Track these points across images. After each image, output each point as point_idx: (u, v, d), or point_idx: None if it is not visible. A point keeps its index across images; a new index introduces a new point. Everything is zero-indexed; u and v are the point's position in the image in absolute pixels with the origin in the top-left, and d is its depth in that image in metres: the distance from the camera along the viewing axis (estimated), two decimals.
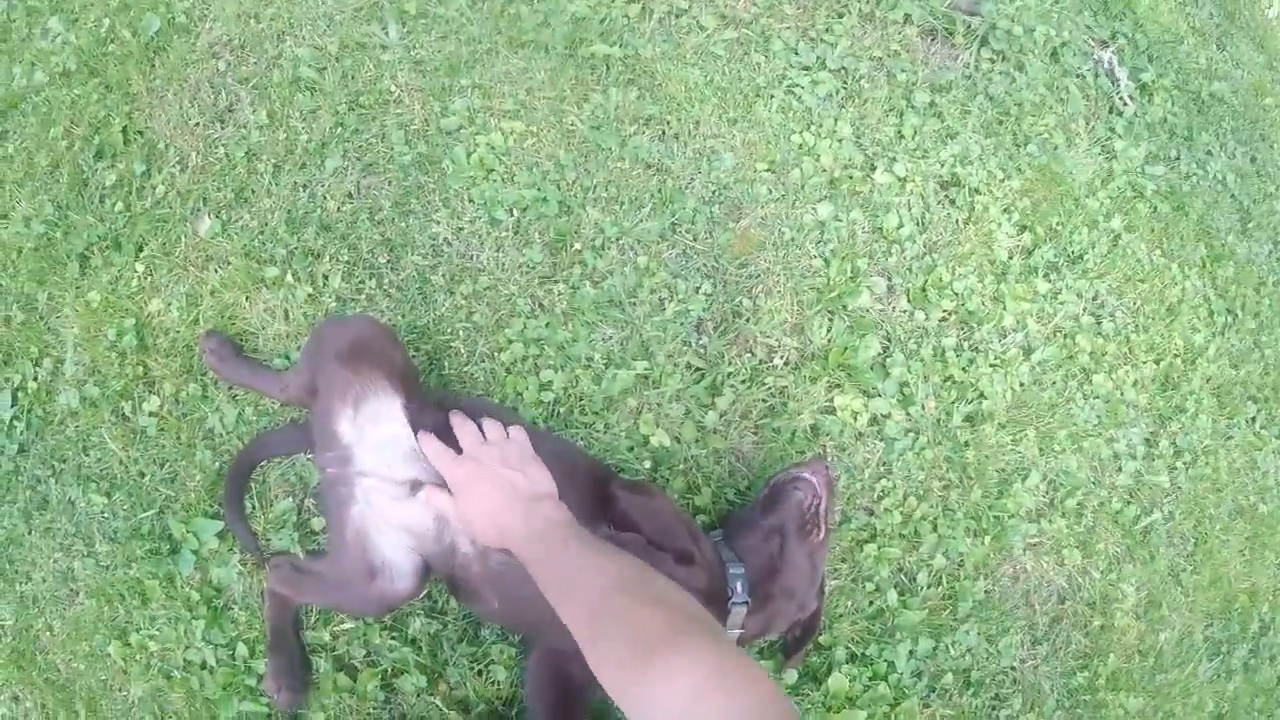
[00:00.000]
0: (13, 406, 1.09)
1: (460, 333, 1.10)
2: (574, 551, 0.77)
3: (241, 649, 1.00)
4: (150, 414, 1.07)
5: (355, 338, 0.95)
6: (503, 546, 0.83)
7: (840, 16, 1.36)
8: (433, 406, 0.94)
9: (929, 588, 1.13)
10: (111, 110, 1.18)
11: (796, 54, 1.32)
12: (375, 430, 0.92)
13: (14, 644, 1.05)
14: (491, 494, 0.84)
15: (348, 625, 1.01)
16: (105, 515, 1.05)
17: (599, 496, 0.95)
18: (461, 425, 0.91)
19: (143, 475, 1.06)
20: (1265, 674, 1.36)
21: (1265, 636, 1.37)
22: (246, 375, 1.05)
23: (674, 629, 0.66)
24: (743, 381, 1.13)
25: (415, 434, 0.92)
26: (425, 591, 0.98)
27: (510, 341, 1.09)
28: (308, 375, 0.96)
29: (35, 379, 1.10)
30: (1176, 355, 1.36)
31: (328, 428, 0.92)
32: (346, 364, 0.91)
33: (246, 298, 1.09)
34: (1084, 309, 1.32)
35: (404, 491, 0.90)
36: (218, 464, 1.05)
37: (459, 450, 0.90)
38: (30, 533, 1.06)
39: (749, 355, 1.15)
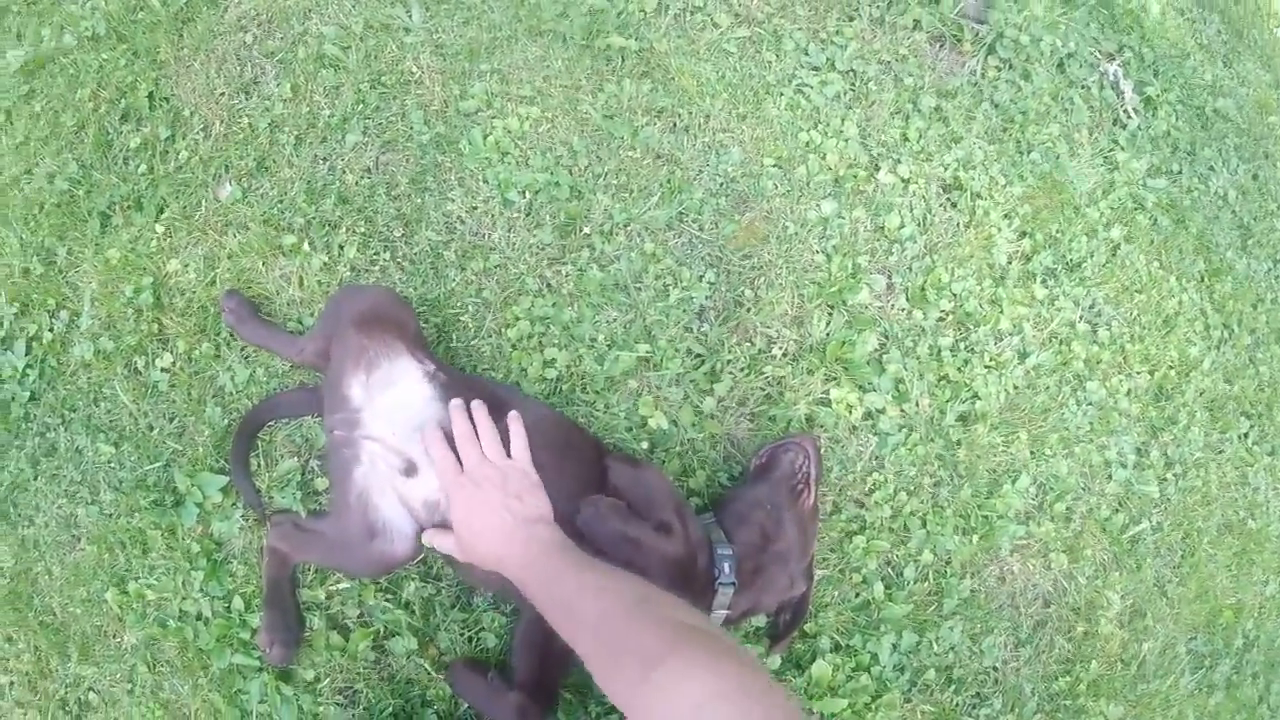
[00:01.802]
0: (26, 355, 1.12)
1: (469, 307, 1.13)
2: (570, 573, 0.78)
3: (238, 602, 1.02)
4: (163, 370, 1.10)
5: (372, 305, 0.97)
6: (499, 571, 0.84)
7: (851, 20, 1.39)
8: (446, 376, 0.96)
9: (915, 583, 1.14)
10: (138, 76, 1.22)
11: (807, 54, 1.35)
12: (385, 395, 0.94)
13: (12, 586, 1.07)
14: (489, 520, 0.85)
15: (343, 585, 1.03)
16: (112, 465, 1.08)
17: (596, 469, 0.97)
18: (464, 439, 0.90)
19: (151, 428, 1.08)
20: (1248, 691, 1.36)
21: (1249, 653, 1.37)
22: (263, 336, 1.07)
23: (674, 643, 0.66)
24: (741, 369, 1.16)
25: (439, 398, 0.93)
26: (422, 555, 1.00)
27: (517, 319, 1.12)
28: (323, 340, 0.98)
29: (51, 330, 1.13)
30: (1171, 367, 1.38)
31: (339, 391, 0.95)
32: (362, 329, 0.94)
33: (263, 263, 1.12)
34: (1080, 316, 1.34)
35: (402, 465, 0.92)
36: (226, 421, 1.07)
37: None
38: (36, 478, 1.09)
39: (748, 344, 1.18)
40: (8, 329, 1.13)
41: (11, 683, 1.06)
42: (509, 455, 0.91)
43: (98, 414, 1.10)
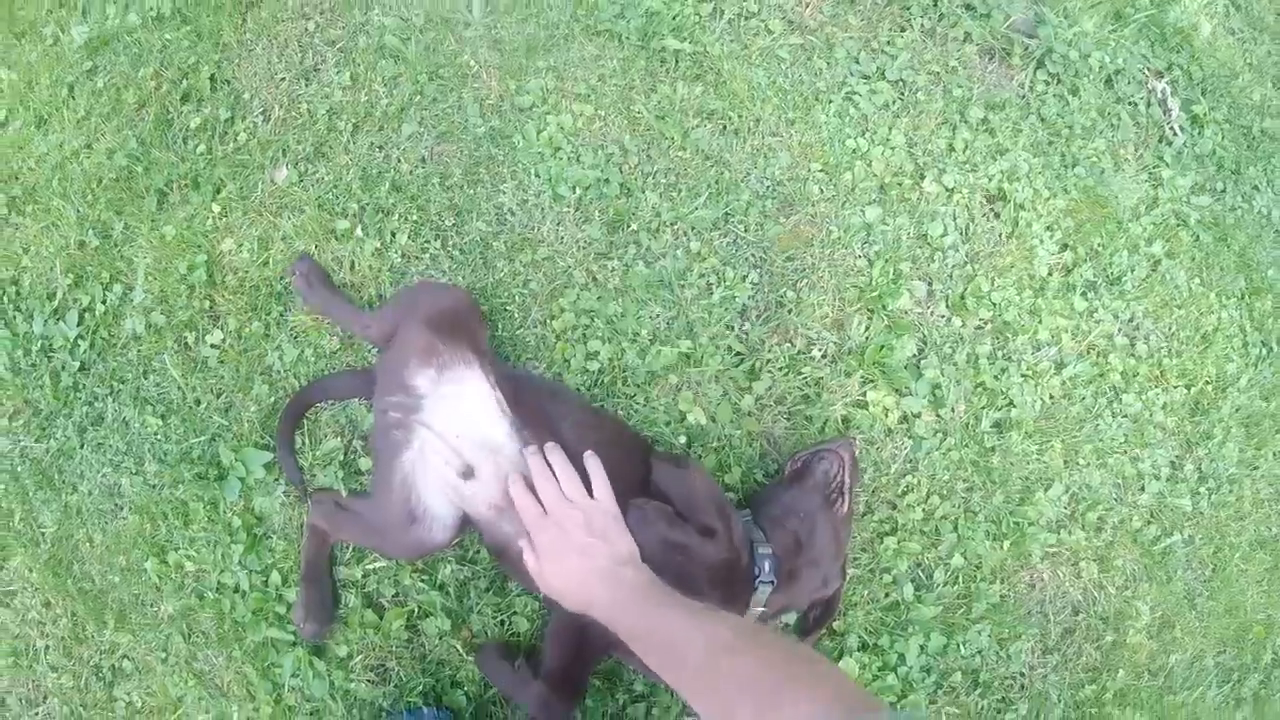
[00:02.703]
0: (78, 326, 1.13)
1: (516, 298, 1.14)
2: (667, 616, 0.78)
3: (275, 577, 1.04)
4: (212, 346, 1.11)
5: (449, 307, 0.97)
6: (587, 613, 0.84)
7: (903, 30, 1.40)
8: (503, 375, 0.97)
9: (945, 585, 1.15)
10: (201, 58, 1.24)
11: (858, 63, 1.36)
12: (452, 392, 0.94)
13: (53, 551, 1.09)
14: (576, 564, 0.84)
15: (380, 564, 1.04)
16: (158, 437, 1.09)
17: (642, 467, 0.98)
18: (543, 479, 0.90)
19: (199, 403, 1.10)
20: (1276, 706, 1.35)
21: (1277, 669, 1.36)
22: (331, 305, 1.08)
23: (790, 679, 0.67)
24: (781, 369, 1.17)
25: (502, 405, 0.93)
26: (458, 540, 1.01)
27: (563, 310, 1.14)
28: (390, 325, 0.99)
29: (104, 302, 1.15)
30: (1208, 382, 1.37)
31: (399, 376, 0.95)
32: (433, 329, 0.94)
33: (316, 246, 1.14)
34: (1119, 329, 1.34)
35: (460, 466, 0.93)
36: (273, 399, 1.09)
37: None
38: (82, 446, 1.10)
39: (788, 345, 1.19)
40: (61, 299, 1.15)
41: (47, 647, 1.08)
42: (591, 495, 0.90)
43: (146, 386, 1.12)
